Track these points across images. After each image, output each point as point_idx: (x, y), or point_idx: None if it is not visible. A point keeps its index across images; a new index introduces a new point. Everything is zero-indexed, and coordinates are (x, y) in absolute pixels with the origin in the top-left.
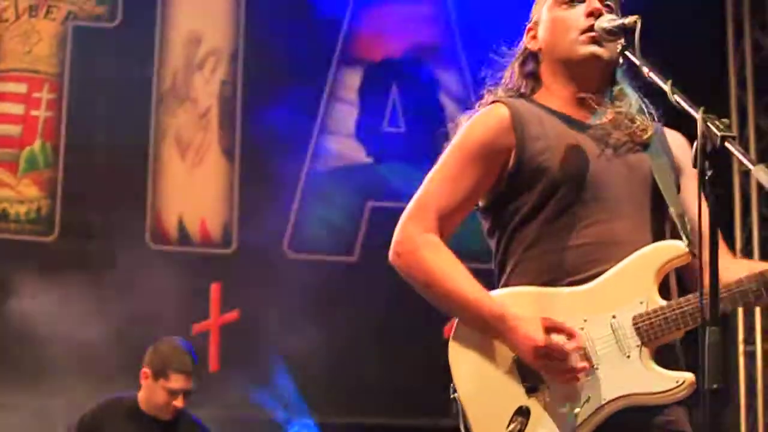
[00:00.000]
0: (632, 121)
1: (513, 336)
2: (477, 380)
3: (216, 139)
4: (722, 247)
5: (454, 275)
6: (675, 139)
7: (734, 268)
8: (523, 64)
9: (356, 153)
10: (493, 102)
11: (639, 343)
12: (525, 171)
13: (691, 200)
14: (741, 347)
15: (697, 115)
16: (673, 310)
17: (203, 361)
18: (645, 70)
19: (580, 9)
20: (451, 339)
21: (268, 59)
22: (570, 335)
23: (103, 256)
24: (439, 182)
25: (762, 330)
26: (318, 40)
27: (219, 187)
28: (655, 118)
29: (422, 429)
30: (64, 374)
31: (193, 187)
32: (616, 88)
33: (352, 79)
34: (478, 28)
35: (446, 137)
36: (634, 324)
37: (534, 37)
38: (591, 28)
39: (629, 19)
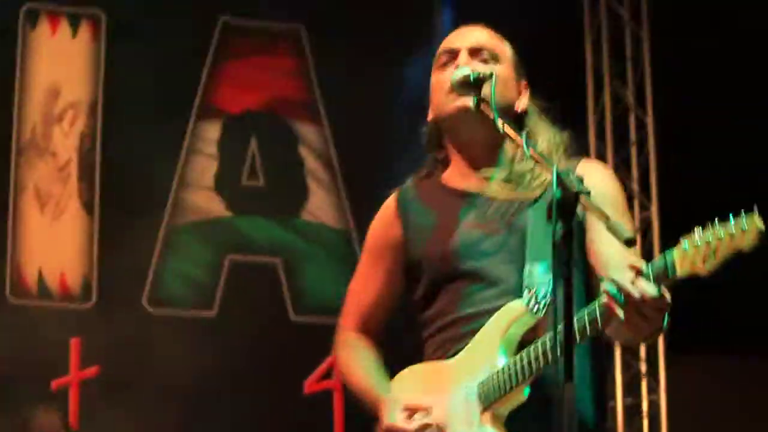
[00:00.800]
0: (526, 176)
1: (380, 418)
2: None
3: (76, 192)
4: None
5: (355, 370)
6: (588, 171)
7: None
8: (429, 133)
9: (216, 206)
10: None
11: (481, 409)
12: (410, 261)
13: (596, 237)
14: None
15: (553, 169)
16: (507, 369)
17: (64, 418)
18: (499, 123)
19: (452, 67)
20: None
21: (127, 111)
22: (426, 412)
23: None
24: (354, 285)
25: (622, 385)
26: (177, 91)
27: (78, 240)
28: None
29: None
30: None
31: (53, 241)
32: (524, 132)
33: (212, 131)
34: (339, 82)
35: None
36: (479, 389)
37: (428, 99)
38: (458, 101)
39: (483, 71)
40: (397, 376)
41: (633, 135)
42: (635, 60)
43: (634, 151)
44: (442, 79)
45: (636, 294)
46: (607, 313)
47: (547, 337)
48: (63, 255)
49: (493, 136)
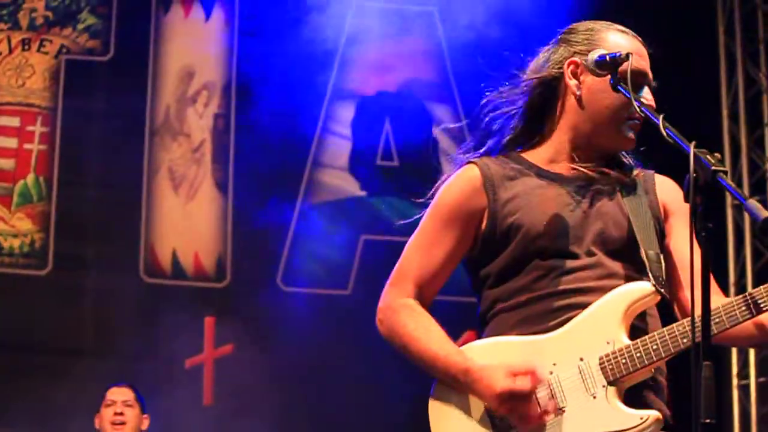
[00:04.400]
0: (616, 167)
1: (479, 386)
2: None
3: (210, 173)
4: (713, 288)
5: (426, 336)
6: (663, 183)
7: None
8: (541, 89)
9: (350, 186)
10: (466, 163)
11: (605, 383)
12: (498, 232)
13: (682, 240)
14: (735, 381)
15: (689, 150)
16: (638, 348)
17: (197, 395)
18: (636, 104)
19: (624, 101)
20: (430, 398)
21: (261, 92)
22: (534, 378)
23: (98, 290)
24: (416, 249)
25: (756, 364)
26: (312, 72)
27: (212, 220)
28: (642, 163)
29: None
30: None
31: (187, 221)
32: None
33: (346, 111)
34: (471, 62)
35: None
36: (600, 364)
37: (575, 76)
38: (637, 117)
39: (621, 54)
40: (473, 348)
41: (767, 116)
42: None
43: (767, 132)
44: (620, 103)
45: None
46: None
47: (689, 318)
48: (197, 235)
49: None
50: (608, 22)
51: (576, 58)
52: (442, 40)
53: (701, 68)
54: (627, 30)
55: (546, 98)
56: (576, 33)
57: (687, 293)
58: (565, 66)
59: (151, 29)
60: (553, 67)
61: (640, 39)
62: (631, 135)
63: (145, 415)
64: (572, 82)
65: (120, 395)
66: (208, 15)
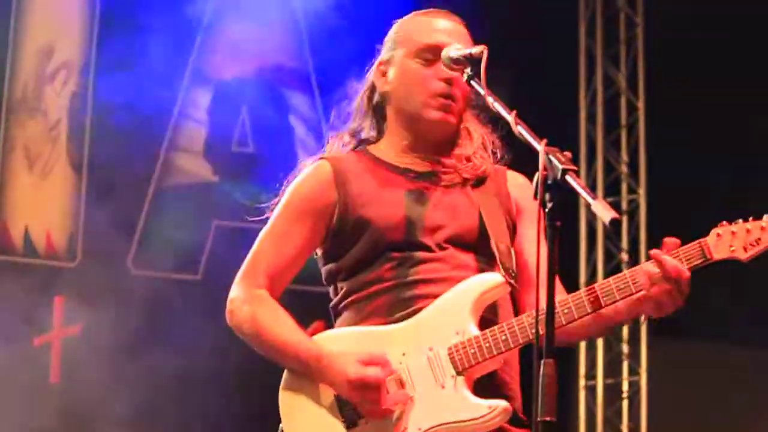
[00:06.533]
0: (467, 160)
1: (330, 373)
2: (303, 422)
3: (65, 152)
4: (558, 287)
5: (276, 325)
6: (515, 179)
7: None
8: (369, 98)
9: (204, 172)
10: (319, 159)
11: (454, 372)
12: (348, 226)
13: (530, 238)
14: (581, 382)
15: (539, 147)
16: (486, 338)
17: (45, 374)
18: (489, 100)
19: (437, 69)
20: (281, 388)
21: (120, 73)
22: (385, 367)
23: None
24: (268, 241)
25: (603, 365)
26: (169, 57)
27: (66, 200)
28: (498, 158)
29: None
30: None
31: (40, 200)
32: (461, 126)
33: (203, 96)
34: (330, 52)
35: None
36: (449, 354)
37: (384, 75)
38: (445, 95)
39: (476, 49)
40: (324, 337)
41: (624, 118)
42: (628, 43)
43: (624, 134)
44: (425, 76)
45: (674, 273)
46: (638, 285)
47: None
48: (50, 214)
49: (450, 135)
50: (424, 11)
51: (381, 58)
52: (303, 29)
53: (561, 67)
54: (441, 14)
55: (377, 98)
56: (390, 31)
57: (533, 291)
58: (374, 69)
59: (12, 3)
60: (370, 75)
61: (448, 15)
62: (439, 112)
63: None
64: (380, 81)
65: None
66: None
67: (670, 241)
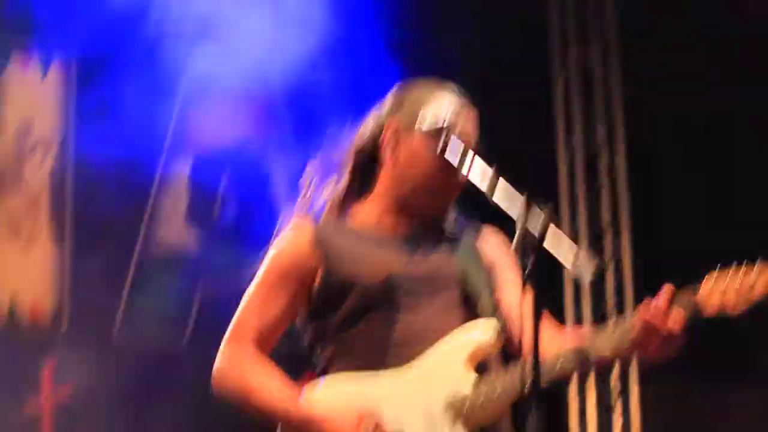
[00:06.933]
0: (442, 220)
1: None
2: None
3: (47, 223)
4: (547, 322)
5: (262, 387)
6: (488, 236)
7: (557, 340)
8: (361, 153)
9: (188, 240)
10: (298, 220)
11: (451, 426)
12: (332, 286)
13: (511, 289)
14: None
15: (518, 210)
16: (481, 392)
17: None
18: (463, 171)
19: (449, 167)
20: None
21: (100, 145)
22: (378, 425)
23: None
24: (252, 306)
25: (597, 407)
26: (148, 128)
27: (50, 270)
28: (468, 217)
29: None
30: None
31: (25, 269)
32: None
33: (184, 164)
34: (308, 114)
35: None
36: (445, 409)
37: (392, 141)
38: (455, 195)
39: (450, 121)
40: (315, 393)
41: (604, 178)
42: (606, 96)
43: (605, 192)
44: (443, 175)
45: (670, 325)
46: (638, 336)
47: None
48: (34, 284)
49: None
50: (437, 83)
51: (395, 123)
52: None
53: (538, 125)
54: (458, 93)
55: (369, 160)
56: (406, 93)
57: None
58: (384, 131)
59: None
60: (375, 130)
61: (466, 99)
62: (449, 202)
63: None
64: (388, 147)
65: None
66: (45, 73)
67: (664, 292)
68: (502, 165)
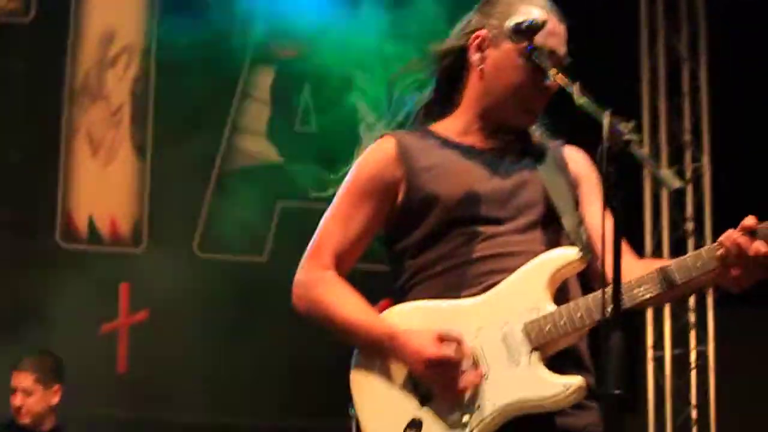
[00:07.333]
0: (527, 139)
1: (403, 351)
2: (374, 400)
3: (128, 137)
4: (626, 250)
5: (346, 306)
6: (573, 153)
7: (638, 269)
8: (449, 64)
9: (268, 152)
10: (381, 136)
11: (529, 349)
12: (415, 201)
13: (593, 209)
14: (650, 353)
15: (604, 118)
16: (562, 315)
17: (111, 362)
18: (551, 72)
19: (538, 76)
20: (352, 368)
21: (181, 57)
22: (460, 344)
23: (14, 254)
24: (333, 222)
25: (671, 336)
26: (230, 38)
27: (130, 185)
28: (554, 135)
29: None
30: None
31: (104, 186)
32: (576, 83)
33: (265, 76)
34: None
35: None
36: (524, 330)
37: (479, 49)
38: (541, 107)
39: (540, 20)
40: (394, 313)
41: (686, 86)
42: (690, 12)
43: (687, 101)
44: (530, 86)
45: (752, 251)
46: (721, 264)
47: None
48: (114, 200)
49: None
50: None
51: (484, 31)
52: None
53: (621, 37)
54: (548, 5)
55: (454, 70)
56: (494, 4)
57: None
58: (471, 39)
59: None
60: (462, 38)
61: (559, 15)
62: (534, 111)
63: (56, 387)
64: (476, 56)
65: (20, 381)
66: None
67: (748, 222)
68: (586, 82)
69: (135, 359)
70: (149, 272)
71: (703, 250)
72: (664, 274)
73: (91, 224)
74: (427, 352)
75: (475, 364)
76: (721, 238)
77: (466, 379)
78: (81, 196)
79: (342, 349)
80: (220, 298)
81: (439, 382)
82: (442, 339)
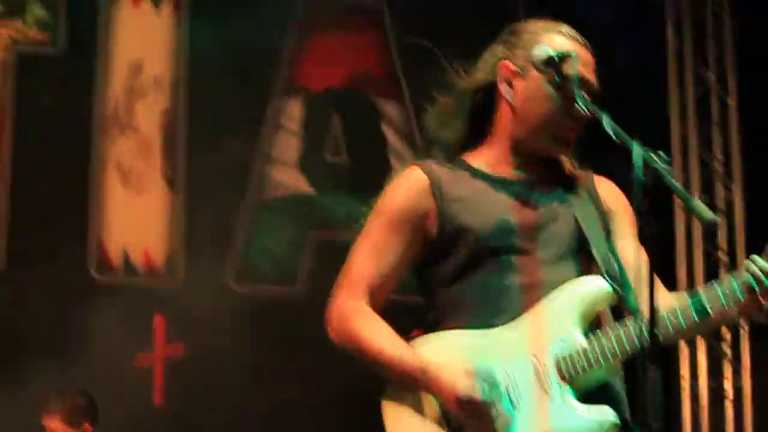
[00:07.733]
0: (558, 169)
1: (435, 386)
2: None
3: (158, 168)
4: (659, 285)
5: (378, 339)
6: (604, 184)
7: (670, 302)
8: (478, 94)
9: (299, 183)
10: (410, 166)
11: (560, 382)
12: (447, 232)
13: (625, 242)
14: (685, 384)
15: (635, 147)
16: (593, 347)
17: (147, 395)
18: (582, 101)
19: (569, 103)
20: (383, 400)
21: (210, 87)
22: (491, 382)
23: (47, 288)
24: (366, 253)
25: (707, 367)
26: (259, 68)
27: (162, 216)
28: (582, 165)
29: None
30: None
31: (136, 216)
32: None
33: (294, 107)
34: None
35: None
36: (556, 362)
37: (507, 81)
38: (574, 136)
39: (571, 50)
40: (425, 344)
41: (716, 115)
42: (717, 40)
43: (716, 131)
44: (561, 115)
45: None
46: (750, 297)
47: (641, 319)
48: (147, 231)
49: None
50: (554, 22)
51: (510, 63)
52: (390, 34)
53: (649, 68)
54: (574, 34)
55: (484, 102)
56: (518, 34)
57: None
58: (498, 70)
59: (101, 20)
60: (489, 71)
61: (586, 44)
62: (567, 141)
63: (85, 425)
64: (504, 88)
65: (48, 423)
66: (157, 6)
67: None
68: (615, 113)
69: (171, 391)
70: (184, 303)
71: (732, 277)
72: (696, 305)
73: (125, 256)
74: (458, 390)
75: (507, 398)
76: (745, 264)
77: (498, 421)
78: (113, 227)
79: (378, 381)
80: (255, 329)
81: (471, 421)
82: (476, 374)
